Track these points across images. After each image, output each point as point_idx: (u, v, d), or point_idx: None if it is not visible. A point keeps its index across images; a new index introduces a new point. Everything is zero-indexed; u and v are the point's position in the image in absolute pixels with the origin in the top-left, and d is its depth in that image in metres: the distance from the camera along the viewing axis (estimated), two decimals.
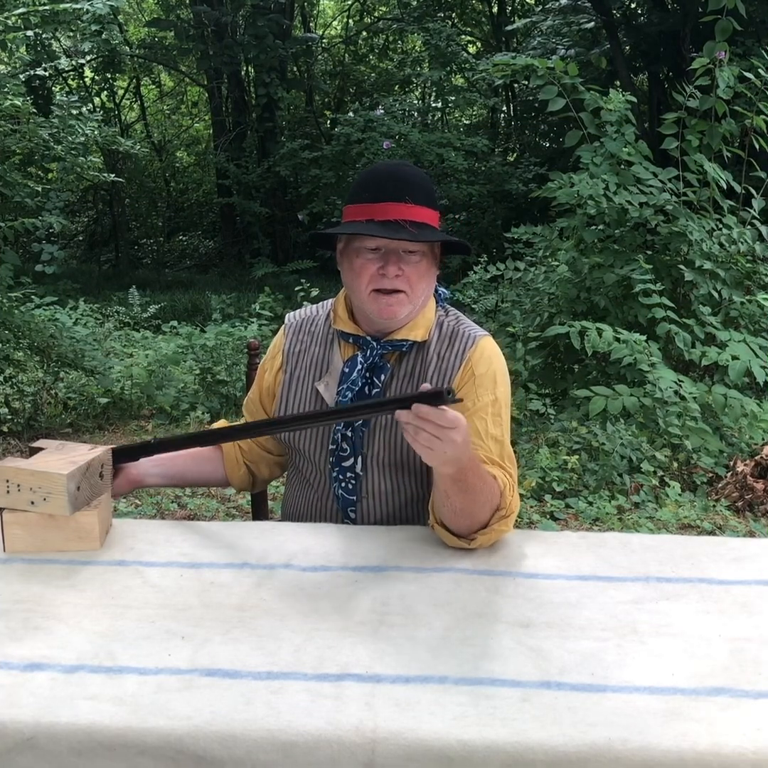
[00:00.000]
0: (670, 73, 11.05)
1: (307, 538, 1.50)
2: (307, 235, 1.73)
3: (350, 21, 15.99)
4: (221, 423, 1.92)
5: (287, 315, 1.79)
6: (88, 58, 12.27)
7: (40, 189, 6.19)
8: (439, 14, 13.75)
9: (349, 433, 1.60)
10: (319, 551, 1.45)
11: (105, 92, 15.11)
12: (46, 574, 1.36)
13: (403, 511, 1.64)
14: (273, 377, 1.73)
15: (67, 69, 12.46)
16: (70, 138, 6.00)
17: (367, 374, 1.60)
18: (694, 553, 1.47)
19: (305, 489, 1.71)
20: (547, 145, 13.32)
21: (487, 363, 1.60)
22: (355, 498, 1.63)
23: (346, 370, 1.61)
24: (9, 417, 5.03)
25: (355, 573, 1.38)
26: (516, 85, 12.87)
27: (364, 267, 1.54)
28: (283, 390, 1.70)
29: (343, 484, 1.63)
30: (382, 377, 1.59)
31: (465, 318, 1.68)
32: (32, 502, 1.41)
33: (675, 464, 4.10)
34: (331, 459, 1.62)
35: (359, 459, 1.61)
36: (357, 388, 1.58)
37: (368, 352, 1.60)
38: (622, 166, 4.87)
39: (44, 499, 1.41)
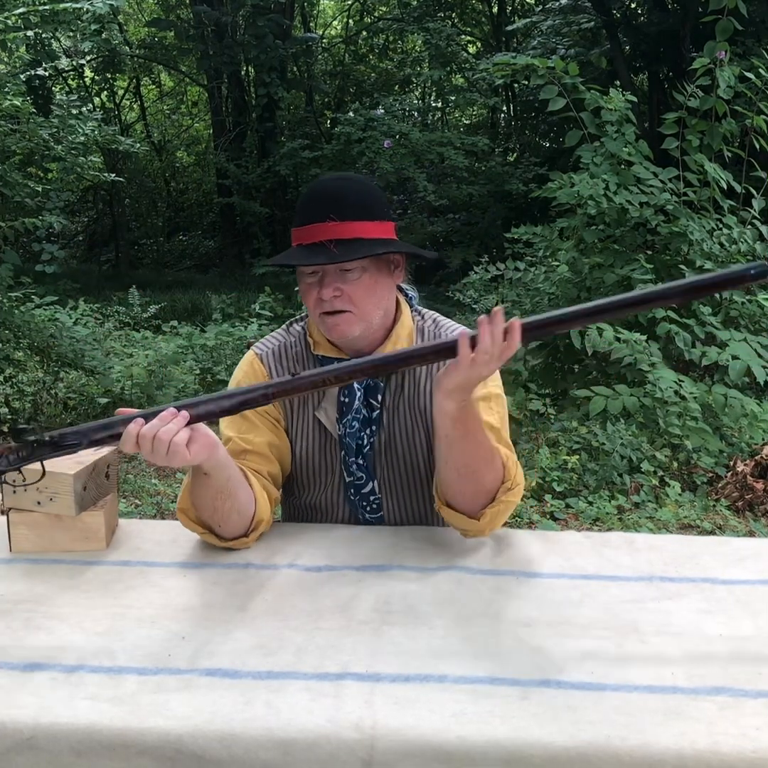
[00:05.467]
0: (670, 73, 11.04)
1: (310, 539, 1.50)
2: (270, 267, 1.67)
3: (350, 21, 15.97)
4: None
5: (254, 347, 1.63)
6: (88, 58, 12.24)
7: (40, 189, 6.19)
8: (439, 14, 13.73)
9: (360, 461, 1.58)
10: (322, 551, 1.45)
11: (105, 92, 15.12)
12: (51, 574, 1.37)
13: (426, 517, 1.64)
14: (270, 406, 1.52)
15: (67, 69, 12.45)
16: (70, 138, 6.01)
17: (363, 397, 1.56)
18: (697, 552, 1.47)
19: (315, 518, 1.67)
20: (547, 145, 13.31)
21: None
22: (381, 515, 1.62)
23: (344, 398, 1.54)
24: (9, 417, 5.02)
25: (358, 572, 1.38)
26: (516, 85, 12.84)
27: (307, 292, 1.49)
28: (288, 422, 1.60)
29: (367, 508, 1.62)
30: (379, 397, 1.56)
31: (442, 318, 1.63)
32: (38, 502, 1.41)
33: (675, 464, 4.10)
34: (350, 490, 1.60)
35: (374, 482, 1.60)
36: (362, 416, 1.55)
37: None
38: (623, 166, 4.86)
39: (51, 500, 1.41)
